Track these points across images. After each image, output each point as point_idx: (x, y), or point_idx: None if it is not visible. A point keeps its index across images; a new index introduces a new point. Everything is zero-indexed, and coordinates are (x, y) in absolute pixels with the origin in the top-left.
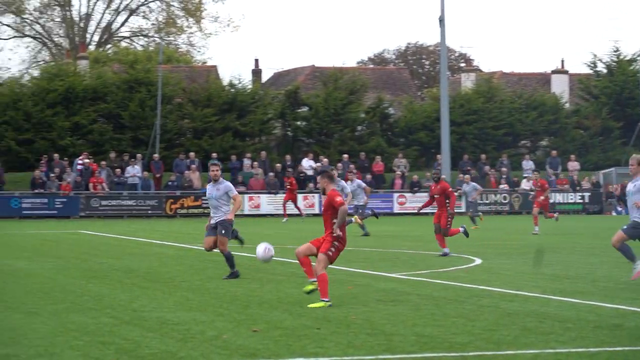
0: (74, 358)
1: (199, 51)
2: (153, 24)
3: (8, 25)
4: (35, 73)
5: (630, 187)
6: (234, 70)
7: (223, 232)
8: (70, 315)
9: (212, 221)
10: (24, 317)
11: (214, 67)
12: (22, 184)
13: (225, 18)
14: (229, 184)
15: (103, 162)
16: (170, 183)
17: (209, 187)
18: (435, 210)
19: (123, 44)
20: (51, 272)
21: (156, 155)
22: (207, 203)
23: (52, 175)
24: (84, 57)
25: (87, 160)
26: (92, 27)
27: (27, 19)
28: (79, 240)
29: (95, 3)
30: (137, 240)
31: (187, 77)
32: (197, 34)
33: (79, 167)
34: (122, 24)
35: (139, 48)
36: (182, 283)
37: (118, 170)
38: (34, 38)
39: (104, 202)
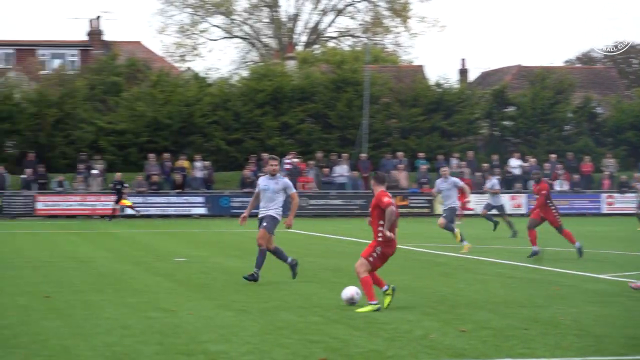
0: (283, 356)
1: (405, 51)
2: (360, 24)
3: (217, 27)
4: (244, 73)
5: None
6: (440, 70)
7: (267, 225)
8: (280, 314)
9: (261, 214)
10: (234, 314)
11: (421, 66)
12: (231, 183)
13: (431, 18)
14: (288, 180)
15: (311, 162)
16: None
17: (266, 180)
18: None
19: (330, 44)
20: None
21: (363, 155)
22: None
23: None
24: (291, 57)
25: (295, 160)
26: (299, 27)
27: (235, 20)
28: (288, 239)
29: (303, 4)
30: (344, 240)
31: (393, 77)
32: (404, 34)
33: (287, 166)
34: (329, 25)
35: (346, 48)
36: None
37: (326, 170)
38: (243, 39)
39: (312, 202)
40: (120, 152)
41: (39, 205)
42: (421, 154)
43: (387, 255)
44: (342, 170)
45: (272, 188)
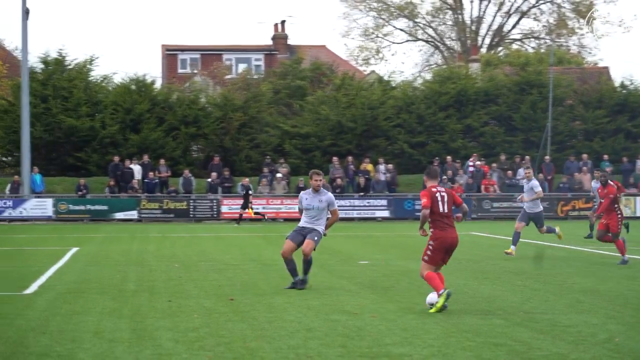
0: (465, 359)
1: (590, 52)
2: (544, 26)
3: (401, 30)
4: (428, 76)
5: None
6: (626, 71)
7: (315, 238)
8: (463, 316)
9: (307, 225)
10: (417, 317)
11: (606, 68)
12: (415, 186)
13: (616, 19)
14: (331, 195)
15: (494, 164)
16: (561, 185)
17: (309, 197)
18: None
19: (514, 46)
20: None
21: (547, 157)
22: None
23: (444, 177)
24: (475, 60)
25: (478, 162)
26: (483, 30)
27: (419, 23)
28: (471, 242)
29: (487, 6)
30: (527, 242)
31: (578, 78)
32: (588, 35)
33: (471, 169)
34: (513, 27)
35: (530, 50)
36: (573, 285)
37: (509, 172)
38: (426, 42)
39: (495, 204)
40: (304, 156)
41: (224, 209)
42: (605, 156)
43: (438, 249)
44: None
45: (317, 206)
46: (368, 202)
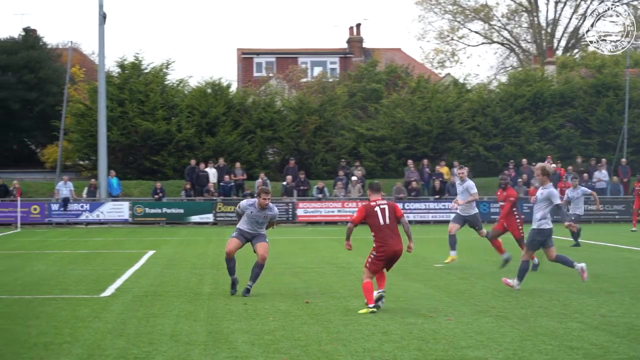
0: None
1: None
2: (620, 29)
3: (477, 32)
4: (503, 79)
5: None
6: None
7: (267, 241)
8: (539, 320)
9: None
10: (493, 320)
11: None
12: (490, 189)
13: None
14: (276, 212)
15: (570, 167)
16: (638, 188)
17: (254, 210)
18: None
19: (590, 48)
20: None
21: (623, 160)
22: None
23: (519, 180)
24: (551, 62)
25: (553, 165)
26: (559, 32)
27: (495, 25)
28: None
29: (562, 8)
30: (603, 245)
31: None
32: None
33: None
34: (589, 29)
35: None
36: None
37: (585, 175)
38: (502, 44)
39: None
40: (379, 159)
41: (300, 212)
42: None
43: (384, 258)
44: (601, 176)
45: (262, 221)
46: (443, 205)
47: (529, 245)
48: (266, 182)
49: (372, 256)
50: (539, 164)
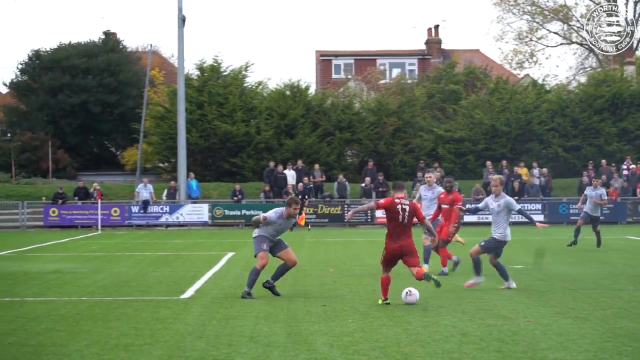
0: None
1: None
2: None
3: (556, 33)
4: (582, 79)
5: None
6: None
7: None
8: (619, 321)
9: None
10: (573, 322)
11: None
12: (569, 190)
13: None
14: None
15: None
16: None
17: (282, 221)
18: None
19: None
20: (596, 277)
21: None
22: None
23: (599, 180)
24: (630, 62)
25: (632, 166)
26: (639, 32)
27: (573, 25)
28: (627, 246)
29: None
30: None
31: None
32: None
33: (625, 172)
34: None
35: None
36: None
37: None
38: (581, 45)
39: None
40: (458, 160)
41: (379, 213)
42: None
43: (389, 255)
44: None
45: (286, 229)
46: (522, 206)
47: (485, 248)
48: (309, 187)
49: (383, 253)
50: (498, 176)
